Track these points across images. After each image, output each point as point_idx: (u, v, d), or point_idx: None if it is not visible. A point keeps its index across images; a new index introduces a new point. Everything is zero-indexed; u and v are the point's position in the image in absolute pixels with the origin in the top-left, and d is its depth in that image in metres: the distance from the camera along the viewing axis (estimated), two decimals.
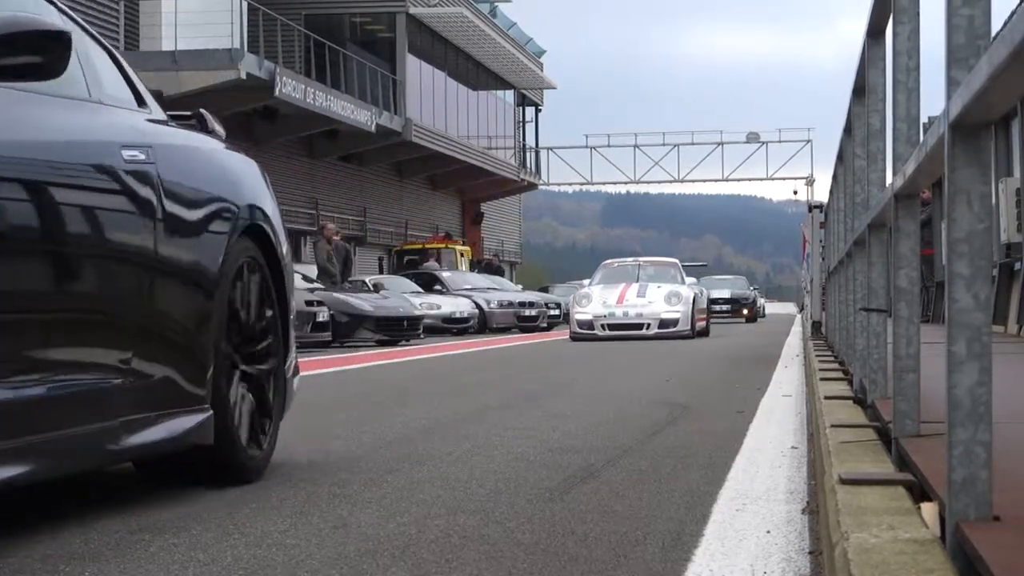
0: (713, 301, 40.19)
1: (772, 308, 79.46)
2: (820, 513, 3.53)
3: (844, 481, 3.32)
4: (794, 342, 20.19)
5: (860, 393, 5.85)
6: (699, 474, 4.76)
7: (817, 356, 10.88)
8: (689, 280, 24.40)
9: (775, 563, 3.16)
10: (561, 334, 28.30)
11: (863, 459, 3.85)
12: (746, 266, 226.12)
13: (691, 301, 23.00)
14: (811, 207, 23.06)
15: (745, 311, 41.95)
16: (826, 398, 6.19)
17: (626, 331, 22.32)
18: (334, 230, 25.17)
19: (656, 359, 14.79)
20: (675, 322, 22.61)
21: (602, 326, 22.54)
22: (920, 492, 3.13)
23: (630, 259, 25.68)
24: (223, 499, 4.19)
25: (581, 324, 22.73)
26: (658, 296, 22.90)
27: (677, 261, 25.65)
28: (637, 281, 23.67)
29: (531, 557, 3.24)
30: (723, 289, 42.95)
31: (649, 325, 22.53)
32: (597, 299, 22.94)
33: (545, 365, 13.99)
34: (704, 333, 24.04)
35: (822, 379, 7.76)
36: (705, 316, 24.31)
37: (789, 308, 75.38)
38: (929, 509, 2.87)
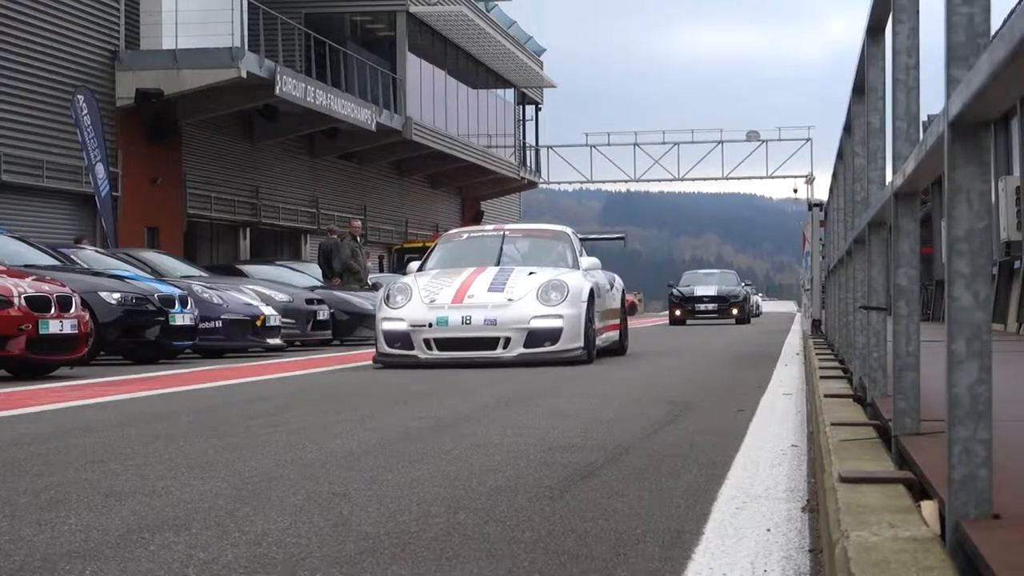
0: (697, 299, 36.35)
1: (772, 307, 79.50)
2: (820, 511, 3.53)
3: (844, 479, 3.32)
4: (794, 340, 20.18)
5: (860, 391, 5.84)
6: (699, 472, 4.76)
7: (817, 354, 10.88)
8: (589, 262, 14.48)
9: (775, 561, 3.16)
10: None
11: (863, 457, 3.85)
12: (746, 264, 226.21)
13: (584, 298, 13.27)
14: (811, 205, 23.00)
15: (735, 311, 36.25)
16: (826, 396, 6.19)
17: (466, 350, 12.80)
18: (360, 227, 24.54)
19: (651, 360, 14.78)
20: (554, 334, 12.89)
21: (426, 342, 12.86)
22: (920, 490, 3.13)
23: (489, 227, 16.16)
24: (223, 497, 4.19)
25: (391, 338, 12.98)
26: (527, 289, 13.20)
27: (570, 231, 15.52)
28: (497, 264, 14.07)
29: (531, 555, 3.24)
30: (709, 285, 37.29)
31: (507, 340, 12.82)
32: (421, 294, 13.21)
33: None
34: (618, 349, 15.17)
35: (822, 377, 7.76)
36: (618, 323, 15.34)
37: (789, 307, 75.40)
38: (929, 507, 2.87)
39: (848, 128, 7.19)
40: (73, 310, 11.73)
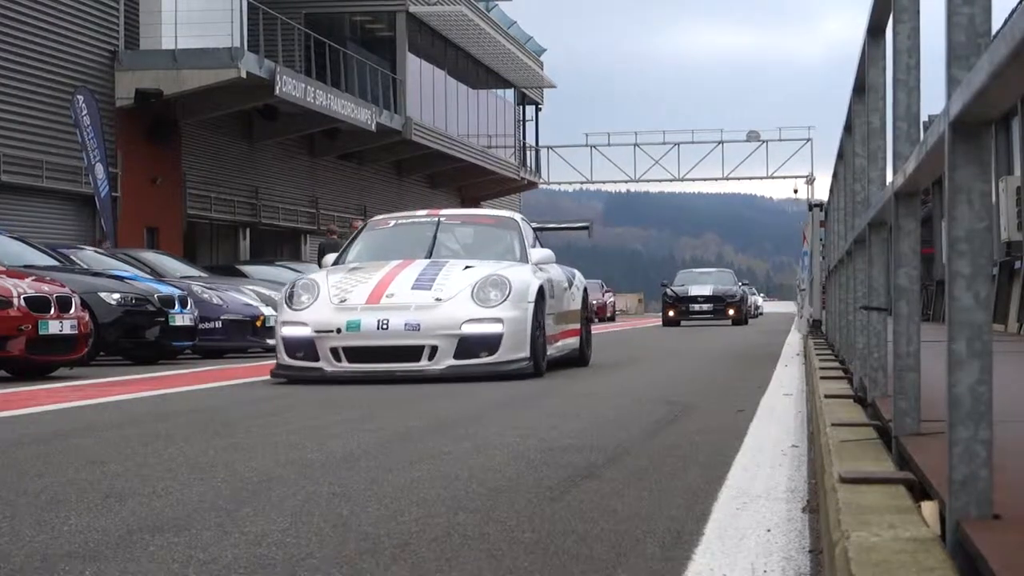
0: (692, 299, 34.69)
1: (772, 307, 79.48)
2: (820, 512, 3.52)
3: (844, 480, 3.32)
4: (794, 341, 20.19)
5: (860, 392, 5.84)
6: (699, 473, 4.76)
7: (817, 355, 10.87)
8: (540, 254, 12.14)
9: (775, 562, 3.16)
10: None
11: (863, 458, 3.85)
12: (746, 265, 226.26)
13: (532, 297, 11.02)
14: (811, 206, 22.99)
15: (731, 311, 34.80)
16: (826, 397, 6.18)
17: (383, 362, 10.51)
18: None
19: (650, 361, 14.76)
20: (492, 342, 10.63)
21: (334, 352, 10.56)
22: (920, 491, 3.13)
23: (422, 212, 13.18)
24: (223, 498, 4.19)
25: (293, 346, 10.71)
26: (460, 286, 10.92)
27: (519, 217, 13.24)
28: (430, 257, 11.76)
29: (531, 556, 3.24)
30: (704, 285, 35.61)
31: (434, 350, 10.53)
32: (330, 293, 10.89)
33: None
34: (577, 360, 12.79)
35: (822, 378, 7.75)
36: (578, 328, 12.90)
37: (790, 307, 75.39)
38: (929, 508, 2.86)
39: (848, 128, 7.19)
40: (73, 310, 11.73)
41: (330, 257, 12.31)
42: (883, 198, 4.39)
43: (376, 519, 3.77)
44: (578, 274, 13.57)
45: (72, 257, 15.83)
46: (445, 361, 10.49)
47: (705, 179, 58.73)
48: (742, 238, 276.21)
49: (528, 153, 52.65)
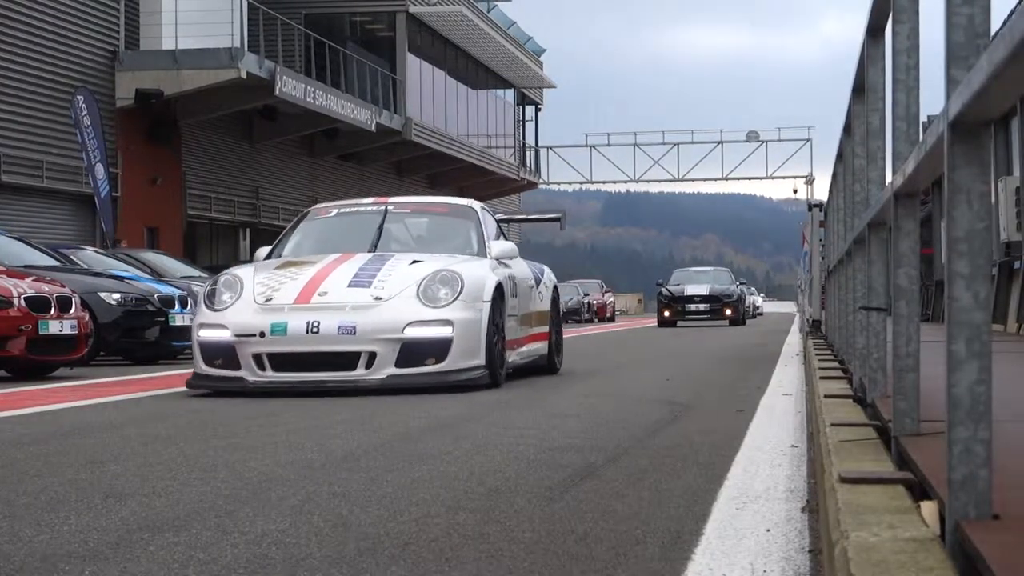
0: (688, 299, 33.93)
1: (772, 307, 79.54)
2: (820, 512, 3.53)
3: (844, 480, 3.32)
4: (794, 340, 20.19)
5: (860, 392, 5.84)
6: (699, 473, 4.76)
7: (817, 355, 10.88)
8: (502, 247, 10.72)
9: (775, 562, 3.16)
10: None
11: (863, 458, 3.85)
12: (746, 265, 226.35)
13: (488, 296, 9.63)
14: (811, 206, 22.98)
15: (728, 311, 33.98)
16: (826, 397, 6.19)
17: (312, 371, 9.12)
18: None
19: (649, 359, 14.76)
20: (440, 347, 9.25)
21: (257, 359, 9.16)
22: (920, 491, 3.13)
23: (368, 200, 11.52)
24: (223, 498, 4.19)
25: (211, 352, 9.33)
26: (404, 283, 9.53)
27: (478, 205, 11.45)
28: (374, 251, 10.35)
29: (531, 556, 3.24)
30: (700, 284, 34.77)
31: (372, 357, 9.12)
32: (255, 291, 9.51)
33: None
34: (545, 367, 11.46)
35: (822, 378, 7.75)
36: (547, 332, 11.55)
37: (790, 307, 75.46)
38: (929, 508, 2.86)
39: (848, 128, 7.19)
40: (73, 311, 11.73)
41: (263, 250, 10.76)
42: (882, 198, 4.39)
43: (376, 519, 3.77)
44: (547, 271, 12.23)
45: (72, 257, 15.84)
46: (385, 370, 9.04)
47: (705, 179, 58.63)
48: (742, 238, 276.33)
49: (528, 153, 52.67)
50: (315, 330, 9.07)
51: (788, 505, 4.01)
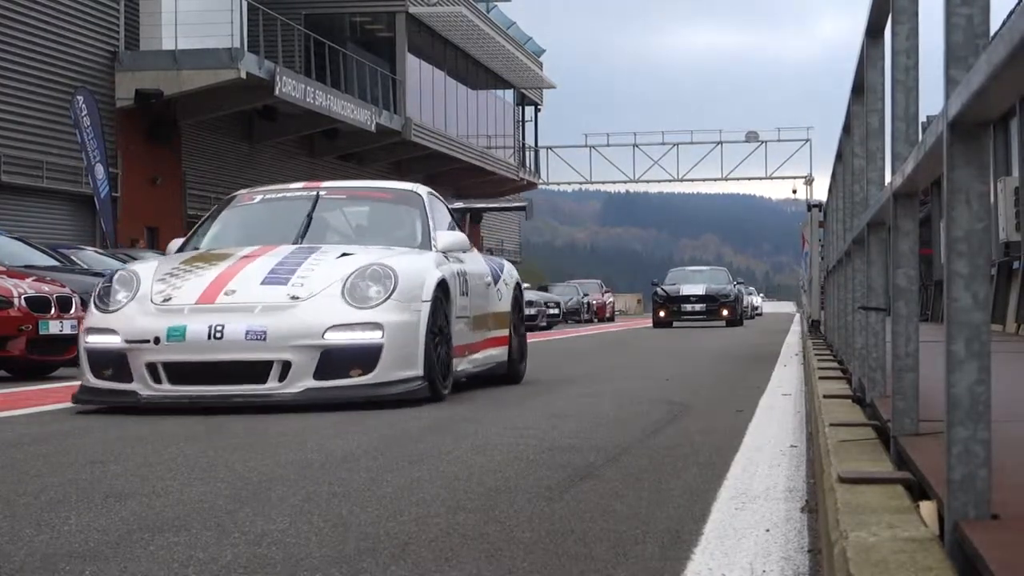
0: (683, 299, 33.15)
1: (771, 307, 79.57)
2: (819, 512, 3.53)
3: (843, 480, 3.32)
4: (793, 340, 20.19)
5: (859, 392, 5.85)
6: (699, 473, 4.76)
7: (816, 355, 10.88)
8: (450, 239, 9.36)
9: (774, 561, 3.17)
10: (555, 334, 28.19)
11: (862, 458, 3.85)
12: (745, 265, 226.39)
13: (428, 295, 8.35)
14: (810, 206, 22.96)
15: (725, 311, 33.15)
16: (825, 397, 6.19)
17: (215, 383, 7.78)
18: None
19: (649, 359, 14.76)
20: (368, 355, 7.89)
21: (151, 369, 7.84)
22: (919, 491, 3.14)
23: (297, 185, 10.12)
24: (223, 498, 4.19)
25: (99, 361, 8.07)
26: (328, 280, 8.20)
27: (424, 191, 9.86)
28: (299, 243, 9.05)
29: (531, 556, 3.24)
30: (696, 284, 33.93)
31: (286, 367, 7.78)
32: (152, 289, 8.19)
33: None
34: (506, 375, 10.18)
35: (821, 378, 7.76)
36: (506, 335, 10.18)
37: (789, 307, 75.46)
38: (928, 508, 2.87)
39: (847, 129, 7.20)
40: (73, 310, 11.74)
41: (176, 242, 9.45)
42: (882, 198, 4.39)
43: (376, 519, 3.77)
44: (508, 267, 10.78)
45: (72, 257, 15.85)
46: (301, 382, 7.72)
47: (704, 179, 58.66)
48: (741, 238, 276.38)
49: (527, 153, 52.69)
50: (218, 335, 7.74)
51: (787, 505, 4.01)
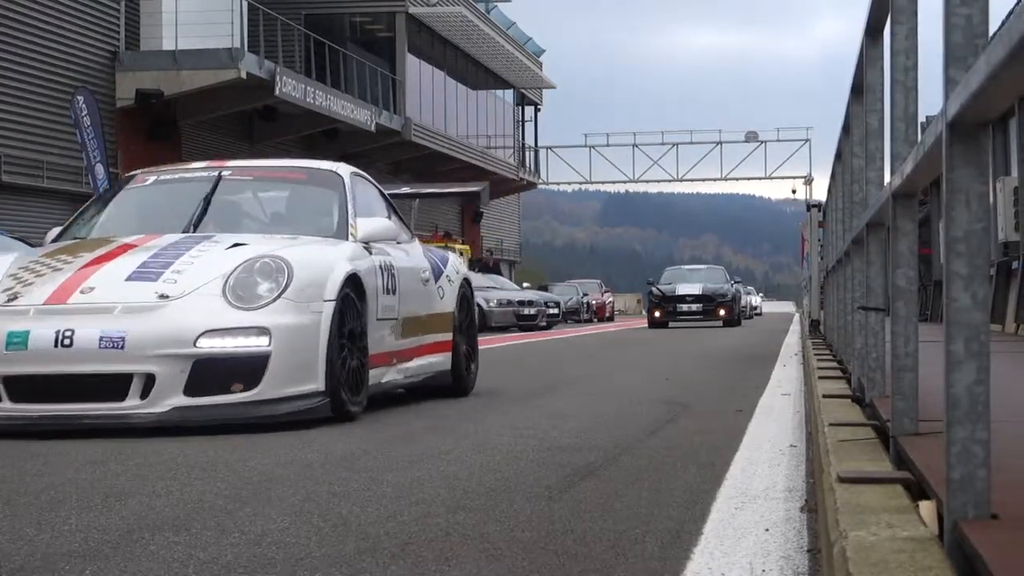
0: (679, 299, 32.45)
1: (770, 307, 79.59)
2: (819, 511, 3.53)
3: (843, 479, 3.33)
4: (792, 341, 20.19)
5: (858, 392, 5.85)
6: (698, 472, 4.77)
7: (815, 355, 10.88)
8: (373, 226, 7.86)
9: (774, 561, 3.17)
10: (562, 332, 28.24)
11: (861, 458, 3.86)
12: (745, 265, 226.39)
13: (333, 293, 6.88)
14: (810, 206, 22.95)
15: (722, 311, 32.31)
16: (824, 397, 6.19)
17: (65, 401, 6.31)
18: None
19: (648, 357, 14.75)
20: (252, 366, 6.44)
21: None
22: (918, 490, 3.14)
23: (199, 164, 8.61)
24: (223, 497, 4.20)
25: None
26: (208, 275, 6.71)
27: (347, 172, 8.22)
28: (190, 231, 7.53)
29: (530, 555, 3.25)
30: (693, 283, 33.06)
31: (149, 381, 6.31)
32: (1, 284, 6.76)
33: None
34: (452, 386, 8.76)
35: (820, 378, 7.76)
36: (448, 340, 8.71)
37: (789, 307, 75.48)
38: (927, 507, 2.87)
39: (846, 129, 7.20)
40: None
41: (55, 231, 8.19)
42: (881, 199, 4.40)
43: (375, 519, 3.77)
44: (454, 260, 9.29)
45: None
46: (168, 400, 6.34)
47: (704, 179, 58.59)
48: (740, 238, 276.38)
49: (527, 153, 52.69)
50: (67, 343, 6.34)
51: (787, 505, 4.01)
